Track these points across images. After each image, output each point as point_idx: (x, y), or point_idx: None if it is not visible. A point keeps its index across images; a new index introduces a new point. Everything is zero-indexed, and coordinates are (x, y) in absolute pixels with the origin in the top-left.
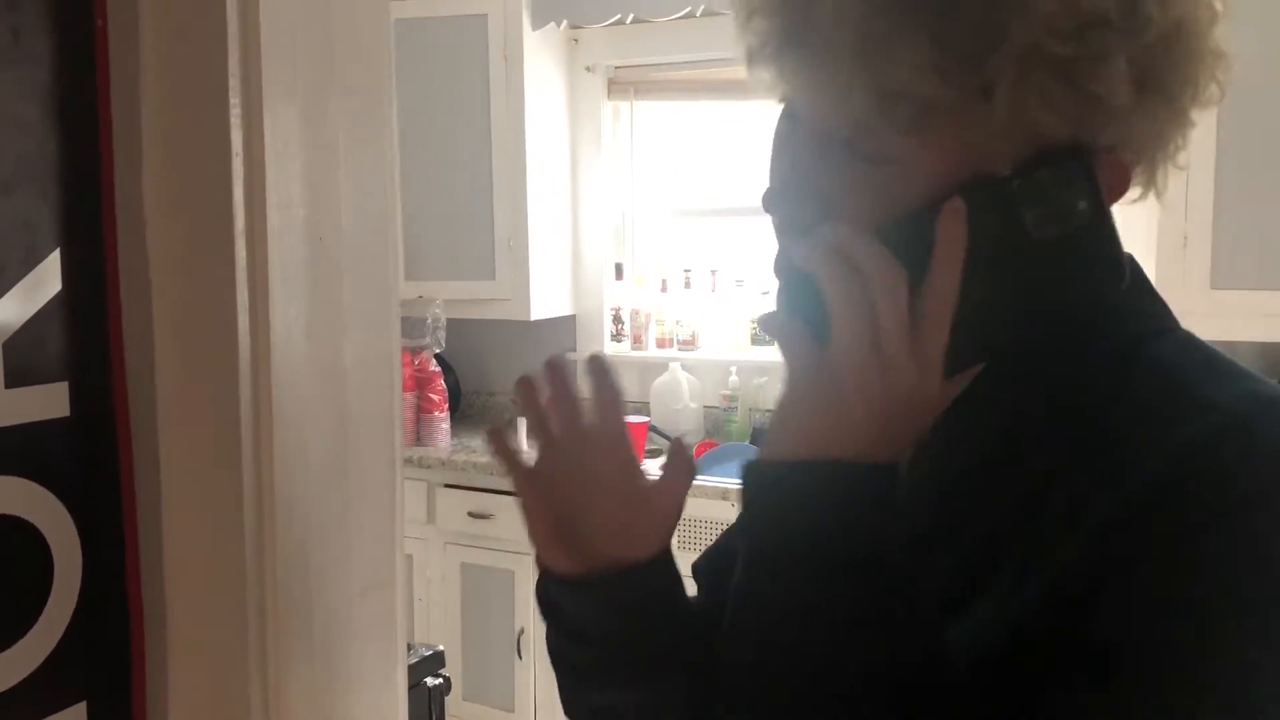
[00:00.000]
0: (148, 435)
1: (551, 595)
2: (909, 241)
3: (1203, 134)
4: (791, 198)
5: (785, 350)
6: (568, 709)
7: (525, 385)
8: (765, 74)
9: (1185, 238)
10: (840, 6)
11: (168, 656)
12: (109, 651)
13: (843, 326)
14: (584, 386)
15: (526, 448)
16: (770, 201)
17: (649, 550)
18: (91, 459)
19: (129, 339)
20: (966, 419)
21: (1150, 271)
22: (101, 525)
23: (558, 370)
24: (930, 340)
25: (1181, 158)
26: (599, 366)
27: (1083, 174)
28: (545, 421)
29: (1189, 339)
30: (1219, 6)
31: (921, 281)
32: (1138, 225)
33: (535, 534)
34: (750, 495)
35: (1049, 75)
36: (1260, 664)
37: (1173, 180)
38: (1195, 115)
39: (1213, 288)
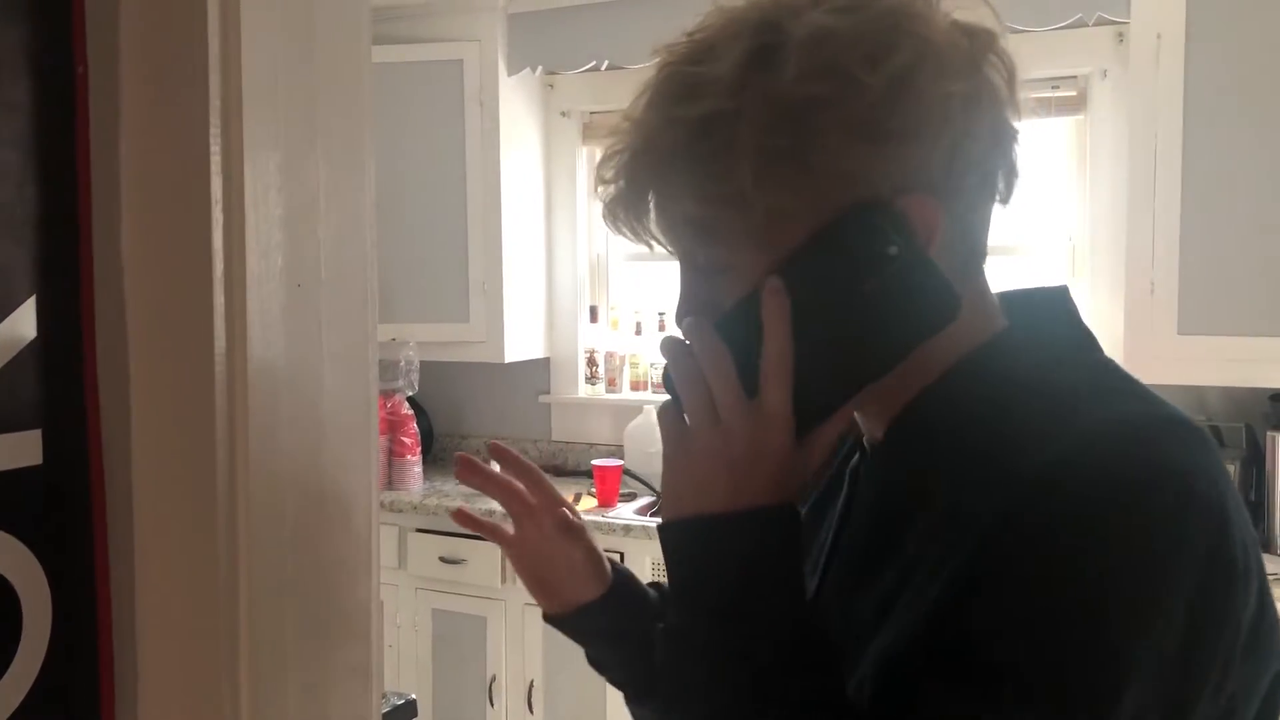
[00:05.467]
0: (121, 483)
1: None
2: (743, 322)
3: (1168, 180)
4: (687, 310)
5: (660, 424)
6: None
7: (468, 463)
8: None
9: (1152, 284)
10: (629, 189)
11: (138, 710)
12: (78, 705)
13: (686, 401)
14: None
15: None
16: (678, 317)
17: (595, 592)
18: (63, 508)
19: (104, 386)
20: (882, 465)
21: (1118, 318)
22: (72, 576)
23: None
24: (770, 396)
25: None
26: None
27: (882, 223)
28: (517, 493)
29: (1084, 361)
30: (941, 60)
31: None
32: (1104, 274)
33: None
34: (665, 552)
35: (781, 166)
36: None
37: (1139, 228)
38: (952, 139)
39: (1179, 333)
